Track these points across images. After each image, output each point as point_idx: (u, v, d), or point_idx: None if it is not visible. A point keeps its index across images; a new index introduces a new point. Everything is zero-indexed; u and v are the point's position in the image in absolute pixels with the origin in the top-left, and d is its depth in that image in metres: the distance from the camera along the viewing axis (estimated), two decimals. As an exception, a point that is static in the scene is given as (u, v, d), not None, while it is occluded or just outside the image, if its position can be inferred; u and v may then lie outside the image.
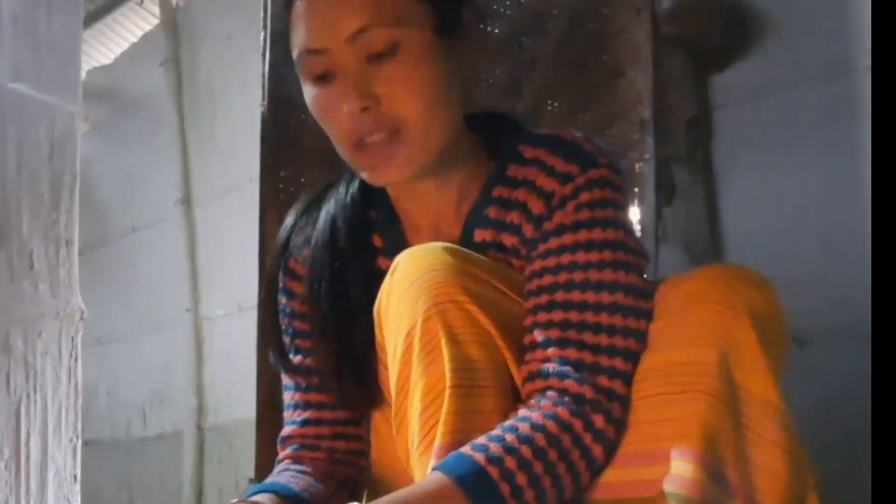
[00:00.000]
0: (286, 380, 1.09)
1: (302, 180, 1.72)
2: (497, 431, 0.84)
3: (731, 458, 0.84)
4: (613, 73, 1.57)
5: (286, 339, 1.07)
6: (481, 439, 0.83)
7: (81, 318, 1.42)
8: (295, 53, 0.96)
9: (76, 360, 1.41)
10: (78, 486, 1.40)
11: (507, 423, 0.86)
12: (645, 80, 1.53)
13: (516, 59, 1.65)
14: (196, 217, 2.97)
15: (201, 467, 2.83)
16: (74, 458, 1.40)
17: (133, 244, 3.26)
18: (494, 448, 0.82)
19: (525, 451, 0.82)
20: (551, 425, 0.85)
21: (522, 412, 0.87)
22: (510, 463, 0.81)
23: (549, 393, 0.88)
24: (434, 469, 0.82)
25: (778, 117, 1.64)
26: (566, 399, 0.87)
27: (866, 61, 1.52)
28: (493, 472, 0.80)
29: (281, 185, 1.73)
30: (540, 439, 0.84)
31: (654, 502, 0.84)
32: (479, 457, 0.81)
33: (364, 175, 0.98)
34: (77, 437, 1.40)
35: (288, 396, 1.09)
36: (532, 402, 0.88)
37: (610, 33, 1.58)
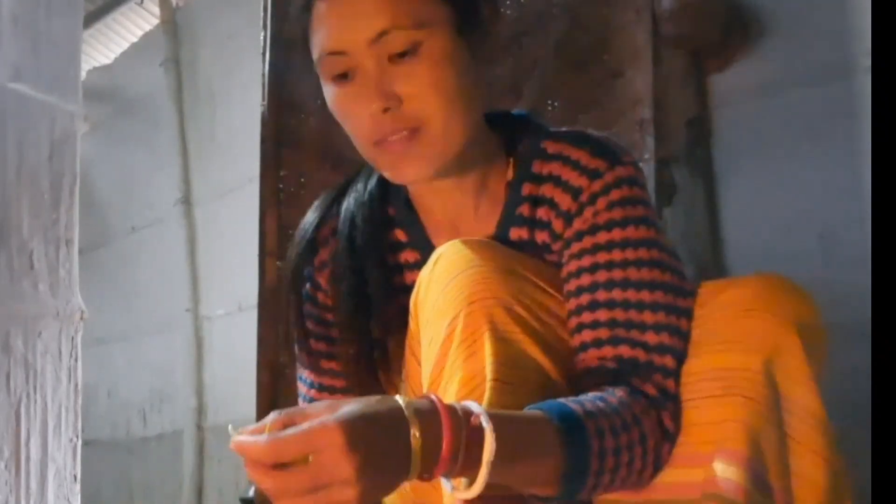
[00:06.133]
0: (303, 373, 1.09)
1: (302, 180, 1.72)
2: (586, 397, 0.83)
3: (773, 464, 0.84)
4: (613, 73, 1.57)
5: (311, 340, 1.07)
6: (569, 400, 0.82)
7: (81, 318, 1.42)
8: (315, 55, 0.96)
9: (76, 360, 1.41)
10: (78, 486, 1.40)
11: (593, 393, 0.84)
12: (645, 80, 1.53)
13: (516, 59, 1.65)
14: (196, 217, 2.97)
15: (201, 467, 2.83)
16: (74, 458, 1.40)
17: (133, 244, 3.27)
18: (589, 406, 0.81)
19: (616, 419, 0.82)
20: (636, 406, 0.85)
21: (607, 389, 0.86)
22: (603, 423, 0.80)
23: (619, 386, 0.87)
24: (529, 408, 0.80)
25: (778, 117, 1.64)
26: (636, 394, 0.87)
27: (866, 61, 1.52)
28: (589, 425, 0.79)
29: (281, 185, 1.73)
30: (627, 415, 0.83)
31: None
32: (577, 408, 0.80)
33: (385, 173, 0.98)
34: (77, 437, 1.41)
35: (304, 390, 1.09)
36: (607, 388, 0.87)
37: (610, 33, 1.58)
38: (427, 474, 0.70)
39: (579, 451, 0.78)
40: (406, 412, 0.69)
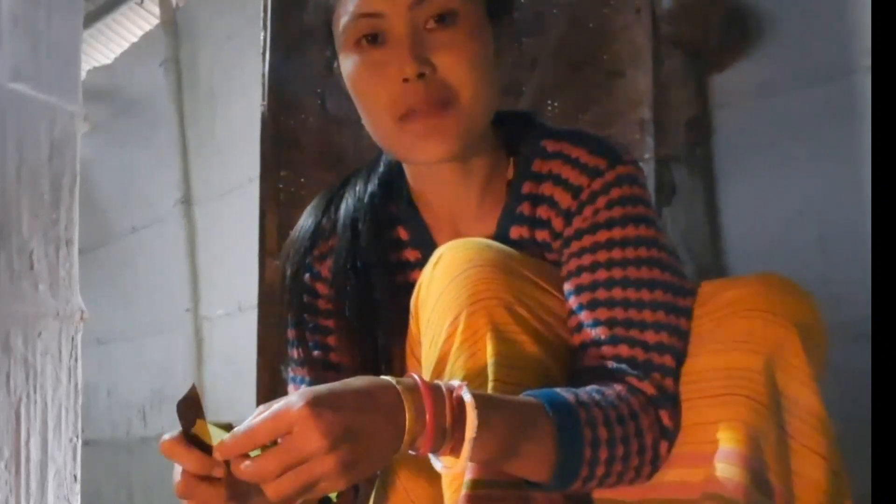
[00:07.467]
0: (295, 373, 1.08)
1: (302, 180, 1.72)
2: (582, 389, 0.83)
3: (774, 464, 0.84)
4: (613, 73, 1.57)
5: (307, 335, 1.07)
6: (564, 390, 0.82)
7: (81, 318, 1.42)
8: (344, 19, 0.94)
9: (76, 360, 1.41)
10: (78, 486, 1.40)
11: (590, 387, 0.85)
12: (645, 80, 1.53)
13: (516, 59, 1.65)
14: (196, 217, 2.97)
15: (201, 467, 2.82)
16: (74, 458, 1.40)
17: (133, 244, 3.27)
18: (583, 396, 0.81)
19: (610, 412, 0.82)
20: (634, 401, 0.85)
21: (606, 383, 0.86)
22: (596, 413, 0.81)
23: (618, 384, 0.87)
24: (524, 394, 0.80)
25: (778, 117, 1.64)
26: (635, 392, 0.87)
27: (866, 61, 1.52)
28: (582, 414, 0.80)
29: (281, 185, 1.73)
30: (623, 409, 0.83)
31: None
32: (569, 396, 0.80)
33: (404, 153, 0.97)
34: (77, 437, 1.41)
35: (292, 389, 1.07)
36: (607, 383, 0.87)
37: (610, 33, 1.58)
38: (420, 446, 0.71)
39: (571, 437, 0.78)
40: (389, 382, 0.70)
